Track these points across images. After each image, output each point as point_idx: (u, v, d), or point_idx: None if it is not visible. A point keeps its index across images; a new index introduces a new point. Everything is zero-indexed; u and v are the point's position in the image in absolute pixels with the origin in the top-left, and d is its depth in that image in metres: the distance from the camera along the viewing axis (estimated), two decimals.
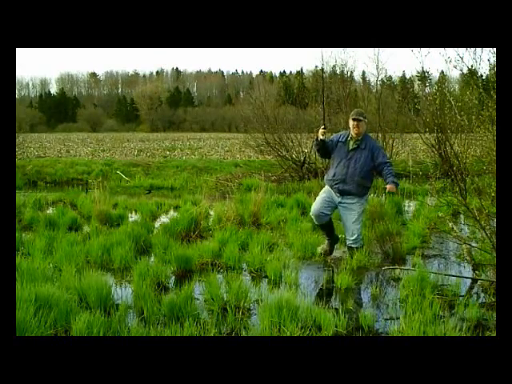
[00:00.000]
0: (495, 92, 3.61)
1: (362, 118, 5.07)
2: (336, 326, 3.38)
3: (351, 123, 5.12)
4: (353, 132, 5.11)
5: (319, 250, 5.41)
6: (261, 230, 6.33)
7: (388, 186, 4.84)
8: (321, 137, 5.20)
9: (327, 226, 5.35)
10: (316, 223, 5.41)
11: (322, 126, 5.26)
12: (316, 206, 5.27)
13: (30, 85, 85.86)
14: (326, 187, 5.33)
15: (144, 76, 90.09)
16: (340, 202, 5.16)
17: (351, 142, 5.14)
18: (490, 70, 4.73)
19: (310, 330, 3.32)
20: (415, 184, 10.25)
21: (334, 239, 5.44)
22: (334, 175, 5.16)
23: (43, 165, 14.78)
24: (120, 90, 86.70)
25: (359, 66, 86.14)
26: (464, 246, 5.12)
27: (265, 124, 13.29)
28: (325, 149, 5.27)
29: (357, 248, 5.11)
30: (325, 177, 5.47)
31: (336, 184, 5.13)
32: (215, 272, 4.52)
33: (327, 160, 8.21)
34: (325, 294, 4.33)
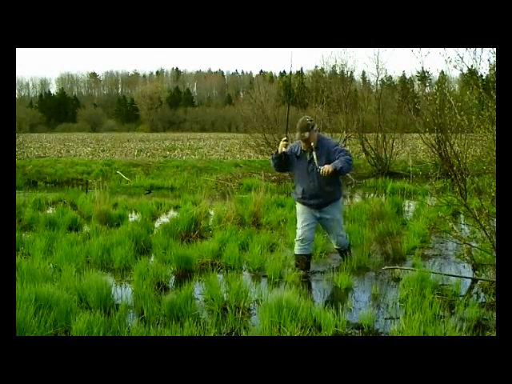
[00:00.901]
0: (495, 92, 3.61)
1: (307, 135, 4.59)
2: (336, 326, 3.38)
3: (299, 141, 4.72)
4: (304, 147, 4.71)
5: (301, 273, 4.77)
6: (261, 230, 6.33)
7: (325, 166, 4.47)
8: (283, 149, 4.70)
9: (308, 258, 4.85)
10: (297, 252, 4.81)
11: (284, 138, 4.78)
12: (300, 231, 4.82)
13: (30, 85, 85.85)
14: (301, 207, 4.89)
15: (144, 76, 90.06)
16: (320, 218, 4.84)
17: (307, 154, 4.71)
18: (490, 70, 4.73)
19: (310, 330, 3.32)
20: (415, 184, 10.24)
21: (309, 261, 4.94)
22: (303, 192, 4.77)
23: (43, 165, 14.78)
24: (120, 90, 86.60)
25: (359, 66, 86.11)
26: (464, 245, 5.12)
27: (265, 124, 13.30)
28: (284, 163, 4.81)
29: (347, 248, 5.04)
30: (293, 195, 5.08)
31: (309, 200, 4.77)
32: (215, 272, 4.52)
33: None
34: (325, 294, 4.33)
